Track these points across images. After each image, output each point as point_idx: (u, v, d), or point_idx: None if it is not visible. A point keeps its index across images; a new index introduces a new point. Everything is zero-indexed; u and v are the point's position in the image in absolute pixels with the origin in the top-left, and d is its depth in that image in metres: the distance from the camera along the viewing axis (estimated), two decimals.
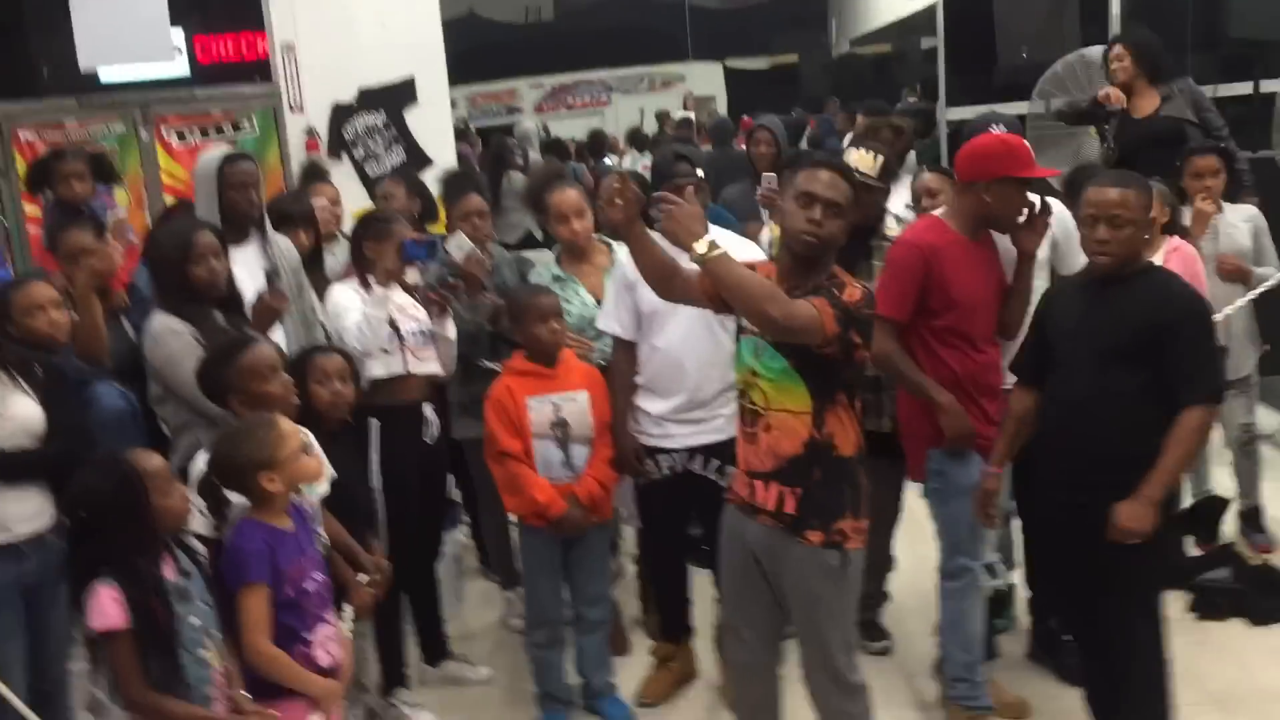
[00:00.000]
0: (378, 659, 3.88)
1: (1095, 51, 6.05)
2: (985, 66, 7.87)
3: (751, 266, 2.87)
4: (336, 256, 4.66)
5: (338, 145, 7.07)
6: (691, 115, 13.89)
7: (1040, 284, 3.55)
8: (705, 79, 18.71)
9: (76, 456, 2.72)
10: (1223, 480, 4.91)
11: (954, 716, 3.52)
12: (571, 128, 16.27)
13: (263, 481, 2.65)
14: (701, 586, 3.98)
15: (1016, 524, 3.99)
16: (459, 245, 3.95)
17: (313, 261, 4.18)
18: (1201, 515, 4.67)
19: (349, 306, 3.70)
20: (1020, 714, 3.65)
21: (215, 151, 3.89)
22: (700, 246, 2.72)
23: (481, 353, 4.16)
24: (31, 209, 5.99)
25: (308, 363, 3.31)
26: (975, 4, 7.93)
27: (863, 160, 3.65)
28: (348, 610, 3.11)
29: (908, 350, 3.41)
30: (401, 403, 3.78)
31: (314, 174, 5.80)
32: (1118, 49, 5.33)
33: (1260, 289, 4.54)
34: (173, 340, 3.29)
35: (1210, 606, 4.21)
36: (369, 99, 7.13)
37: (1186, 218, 4.43)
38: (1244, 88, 7.05)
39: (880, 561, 4.16)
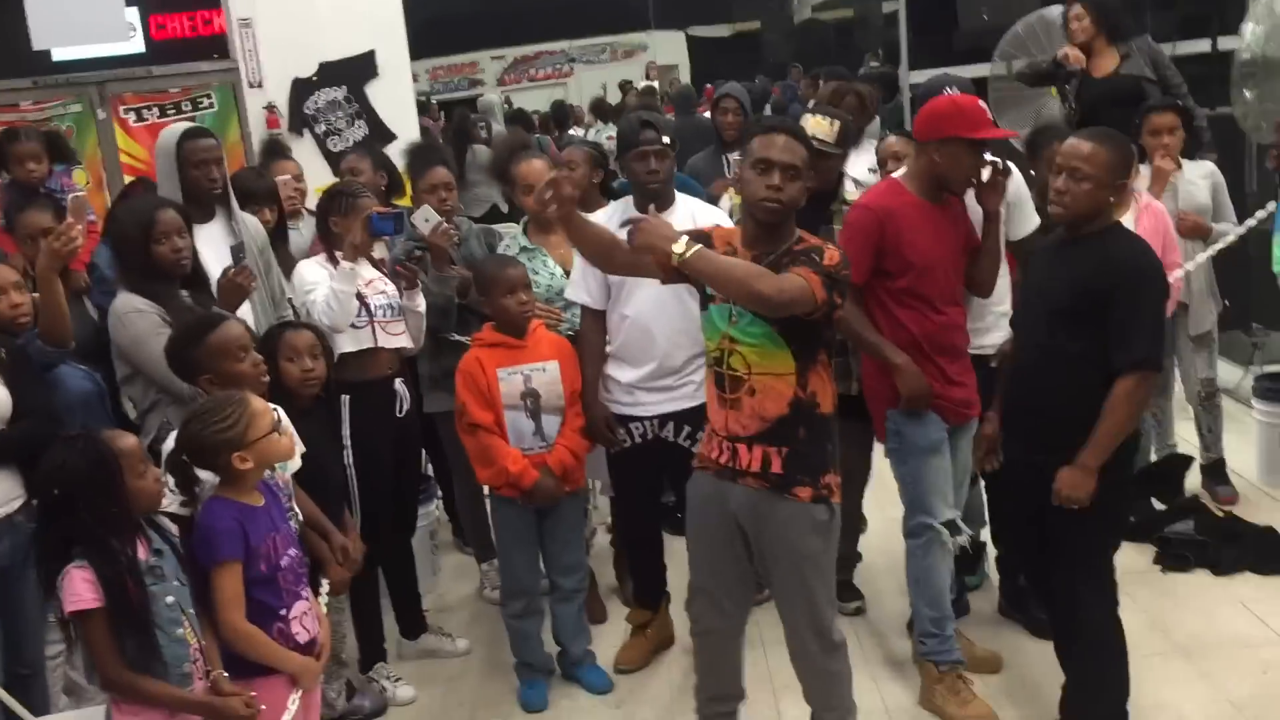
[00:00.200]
0: (355, 634, 3.90)
1: (1055, 12, 6.08)
2: (946, 29, 7.90)
3: (706, 235, 2.89)
4: (302, 233, 4.64)
5: (299, 121, 7.01)
6: (655, 84, 13.86)
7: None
8: (668, 48, 18.65)
9: (44, 438, 2.70)
10: (1186, 434, 4.99)
11: (926, 672, 3.57)
12: (534, 100, 16.20)
13: (234, 461, 2.63)
14: (677, 552, 4.01)
15: None
16: (425, 218, 3.93)
17: (276, 238, 4.16)
18: (1164, 474, 4.73)
19: (316, 282, 3.69)
20: (992, 668, 3.71)
21: (175, 128, 3.84)
22: (678, 248, 2.74)
23: (451, 326, 4.15)
24: None
25: (278, 339, 3.30)
26: None
27: (819, 126, 3.66)
28: (325, 586, 3.12)
29: (867, 312, 3.44)
30: (372, 378, 3.77)
31: (275, 150, 5.76)
32: (1076, 9, 5.36)
33: (1219, 245, 4.60)
34: (139, 320, 3.27)
35: (1176, 558, 4.29)
36: (329, 73, 7.06)
37: (1146, 175, 4.48)
38: (1202, 45, 7.10)
39: (852, 523, 4.21)
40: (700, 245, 2.75)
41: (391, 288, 3.83)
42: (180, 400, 3.16)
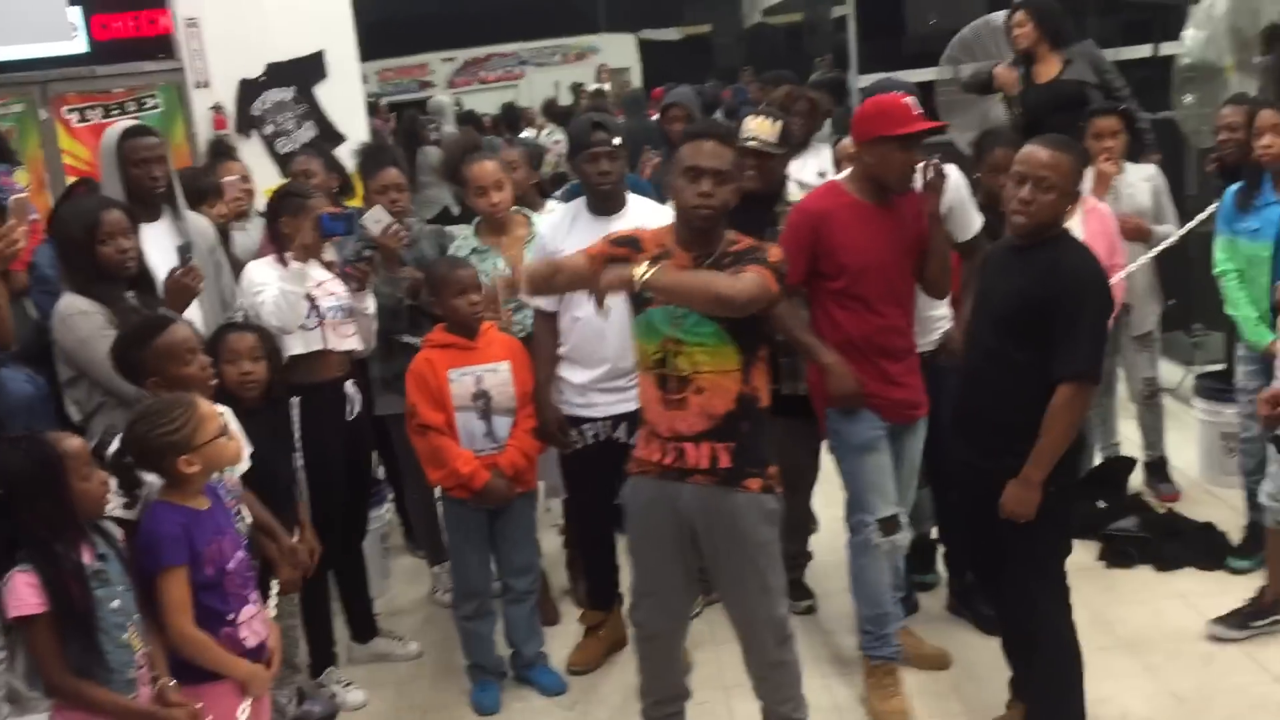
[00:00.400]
0: (305, 639, 3.86)
1: (1000, 17, 6.16)
2: (895, 34, 7.98)
3: (636, 239, 2.94)
4: (249, 234, 4.59)
5: (246, 122, 6.93)
6: (606, 87, 13.85)
7: None
8: (619, 51, 18.64)
9: None
10: (1128, 432, 5.08)
11: (865, 667, 3.62)
12: (485, 101, 16.12)
13: (180, 464, 2.60)
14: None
15: None
16: (376, 219, 3.91)
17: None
18: (1108, 477, 4.81)
19: (265, 283, 3.65)
20: (940, 665, 3.76)
21: (117, 126, 3.79)
22: (638, 272, 2.77)
23: (402, 328, 4.14)
24: None
25: (219, 342, 3.27)
26: None
27: (761, 127, 3.69)
28: (274, 587, 3.09)
29: (811, 312, 3.48)
30: (322, 380, 3.74)
31: (221, 151, 5.70)
32: (1019, 15, 5.42)
33: (1160, 247, 4.69)
34: (83, 322, 3.22)
35: (1119, 554, 4.37)
36: (278, 74, 6.99)
37: (1089, 178, 4.55)
38: (1144, 50, 7.23)
39: (802, 521, 4.25)
40: (657, 266, 2.79)
41: (342, 289, 3.80)
42: (126, 403, 3.11)
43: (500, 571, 3.87)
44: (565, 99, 14.36)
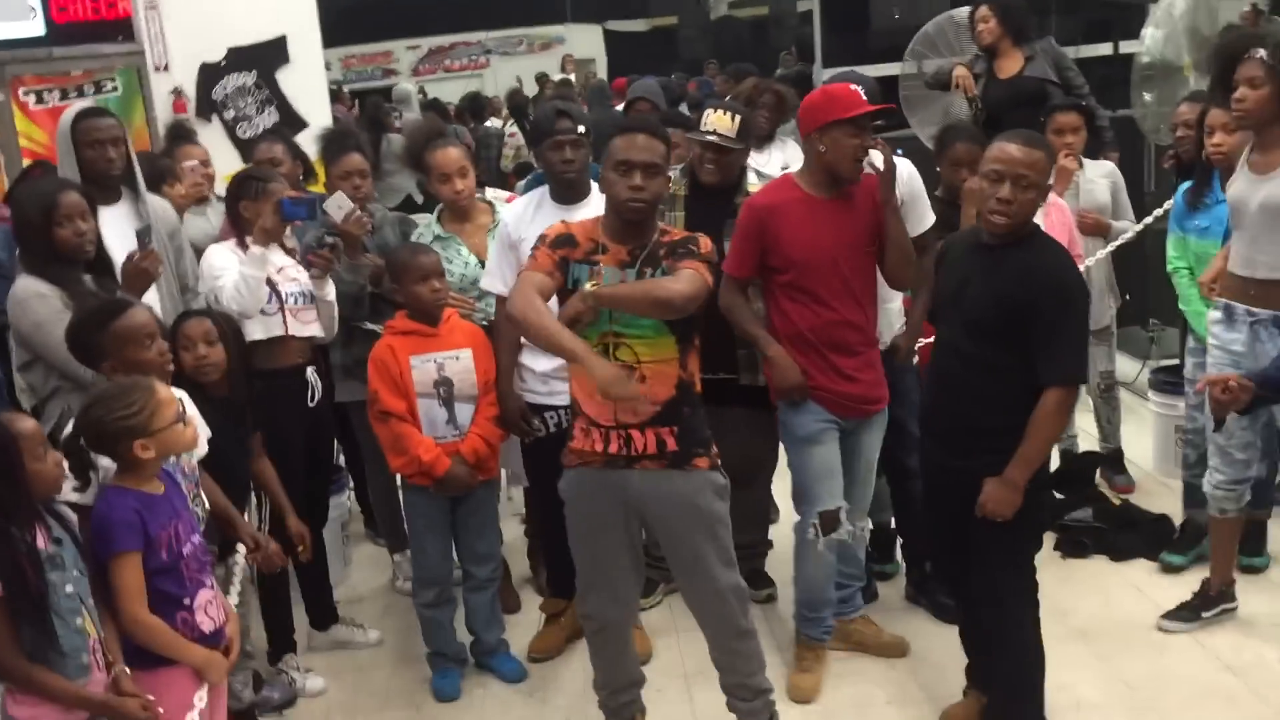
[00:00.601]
0: (265, 625, 3.84)
1: (964, 13, 6.20)
2: (860, 28, 8.02)
3: (571, 236, 2.98)
4: (209, 219, 4.55)
5: (207, 106, 6.85)
6: (571, 77, 13.83)
7: None
8: (584, 42, 18.63)
9: None
10: (1086, 425, 5.14)
11: (795, 643, 3.74)
12: (449, 91, 16.05)
13: (135, 449, 2.58)
14: None
15: None
16: (339, 205, 3.88)
17: None
18: (1075, 474, 4.86)
19: (225, 267, 3.62)
20: (899, 652, 3.80)
21: (73, 108, 3.74)
22: (588, 291, 2.86)
23: (363, 315, 4.11)
24: None
25: (177, 327, 3.25)
26: None
27: (720, 121, 3.70)
28: (235, 575, 3.08)
29: (765, 304, 3.51)
30: (283, 366, 3.72)
31: (180, 134, 5.61)
32: (983, 10, 5.47)
33: (1117, 242, 4.75)
34: (40, 305, 3.18)
35: (1074, 545, 4.42)
36: (239, 59, 6.90)
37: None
38: (1104, 49, 7.31)
39: (762, 510, 4.27)
40: (600, 281, 2.89)
41: (304, 275, 3.77)
42: (82, 387, 3.09)
43: (461, 559, 3.87)
44: (530, 89, 14.33)
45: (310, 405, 3.79)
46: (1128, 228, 4.78)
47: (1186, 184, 4.24)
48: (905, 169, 3.64)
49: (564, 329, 2.81)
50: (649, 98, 5.57)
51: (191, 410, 2.90)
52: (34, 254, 3.27)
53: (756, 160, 4.48)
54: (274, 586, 3.78)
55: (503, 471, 4.02)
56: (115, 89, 6.62)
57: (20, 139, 6.40)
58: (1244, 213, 3.51)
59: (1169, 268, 4.31)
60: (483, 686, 3.85)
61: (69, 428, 2.72)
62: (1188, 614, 3.84)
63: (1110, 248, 4.74)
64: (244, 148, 6.55)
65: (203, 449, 2.97)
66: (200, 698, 2.67)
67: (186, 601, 2.65)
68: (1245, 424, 3.57)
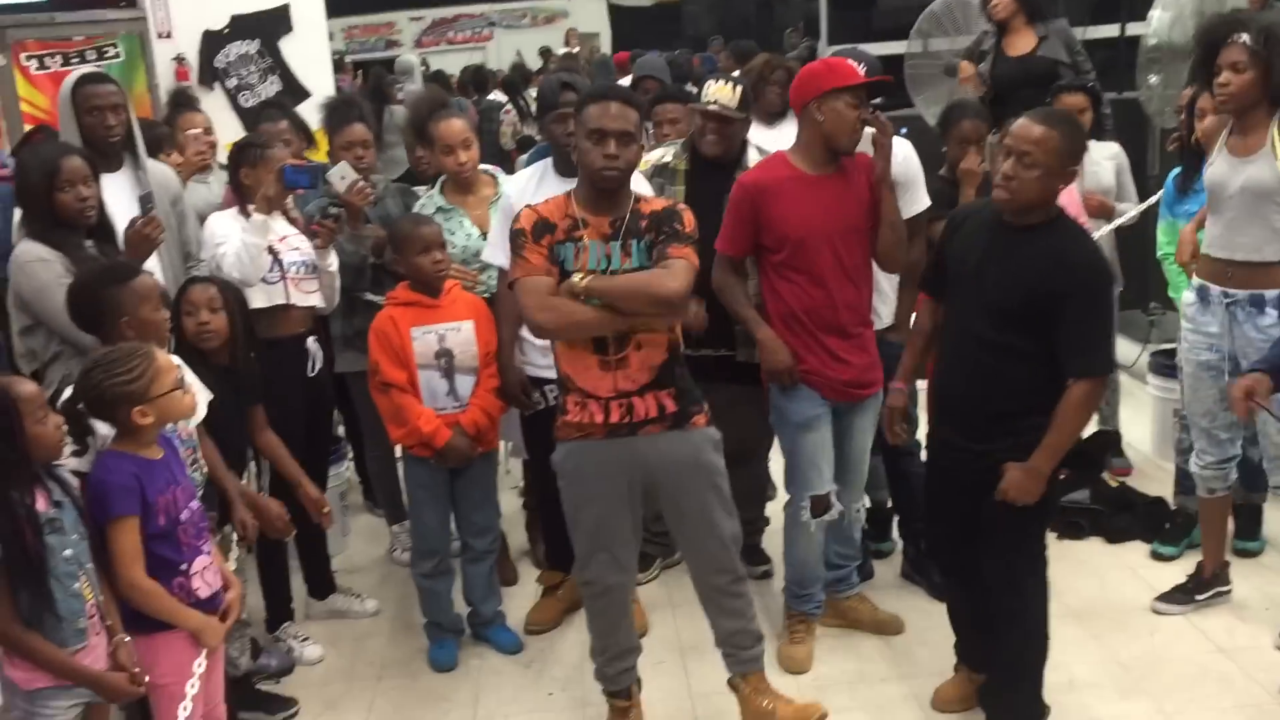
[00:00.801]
0: (263, 594, 3.86)
1: None
2: (866, 5, 7.99)
3: (549, 221, 2.96)
4: (211, 187, 4.53)
5: (209, 74, 6.83)
6: (575, 50, 13.75)
7: None
8: (589, 15, 18.50)
9: None
10: None
11: (784, 616, 3.78)
12: (452, 63, 15.94)
13: (134, 415, 2.58)
14: None
15: None
16: (342, 175, 3.88)
17: None
18: (1090, 454, 4.81)
19: (227, 235, 3.62)
20: (894, 630, 3.82)
21: (74, 74, 3.72)
22: (580, 284, 2.88)
23: (365, 285, 4.11)
24: None
25: (182, 294, 3.25)
26: None
27: (722, 91, 3.67)
28: (234, 541, 3.09)
29: (760, 284, 3.50)
30: (284, 336, 3.72)
31: (182, 102, 5.59)
32: None
33: (1118, 221, 4.74)
34: (42, 270, 3.18)
35: (1071, 526, 4.43)
36: (242, 26, 6.88)
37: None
38: (1111, 30, 7.27)
39: (759, 487, 4.28)
40: (591, 275, 2.90)
41: (306, 245, 3.77)
42: (83, 352, 3.08)
43: (460, 531, 3.88)
44: (534, 64, 14.25)
45: (310, 375, 3.79)
46: (1130, 209, 4.76)
47: (1176, 170, 4.22)
48: (902, 150, 3.61)
49: (589, 309, 2.89)
50: (655, 75, 5.55)
51: (190, 377, 2.90)
52: (36, 219, 3.26)
53: (767, 137, 4.45)
54: (272, 555, 3.80)
55: (502, 444, 4.03)
56: (118, 55, 6.60)
57: (22, 104, 6.39)
58: (1222, 195, 3.47)
59: (1159, 253, 4.31)
60: (479, 657, 3.87)
61: (68, 392, 2.73)
62: (1182, 596, 3.86)
63: (1110, 226, 4.72)
64: (246, 116, 6.53)
65: (202, 411, 2.97)
66: (199, 663, 2.68)
67: (183, 567, 2.67)
68: (1227, 405, 3.55)
